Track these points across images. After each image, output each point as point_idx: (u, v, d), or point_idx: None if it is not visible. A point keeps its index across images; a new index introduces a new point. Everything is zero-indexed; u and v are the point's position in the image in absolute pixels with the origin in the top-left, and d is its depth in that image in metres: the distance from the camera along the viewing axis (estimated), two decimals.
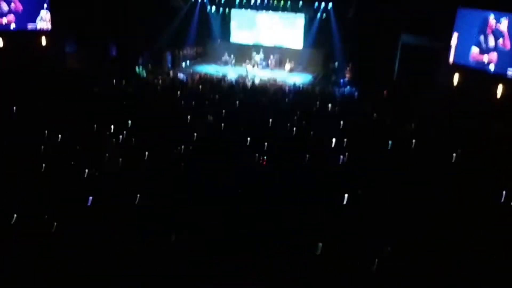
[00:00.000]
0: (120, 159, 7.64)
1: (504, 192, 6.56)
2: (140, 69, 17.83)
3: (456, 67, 13.94)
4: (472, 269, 4.70)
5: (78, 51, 18.45)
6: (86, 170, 7.00)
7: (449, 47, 14.22)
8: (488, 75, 12.88)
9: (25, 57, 15.83)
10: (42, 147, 8.01)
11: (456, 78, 13.75)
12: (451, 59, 14.27)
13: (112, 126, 9.37)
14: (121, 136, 8.96)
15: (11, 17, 15.96)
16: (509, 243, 5.17)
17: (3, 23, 15.77)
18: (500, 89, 12.18)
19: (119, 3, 17.97)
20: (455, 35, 14.03)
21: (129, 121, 9.83)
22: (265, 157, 8.13)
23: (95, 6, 17.91)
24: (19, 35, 16.47)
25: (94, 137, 8.87)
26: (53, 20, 17.08)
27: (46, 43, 17.12)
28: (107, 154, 7.80)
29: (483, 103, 11.77)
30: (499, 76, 12.50)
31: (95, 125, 9.37)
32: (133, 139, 8.90)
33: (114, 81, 14.64)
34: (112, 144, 8.49)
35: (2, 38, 16.02)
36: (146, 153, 7.88)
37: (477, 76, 13.17)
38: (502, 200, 6.54)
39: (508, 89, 12.11)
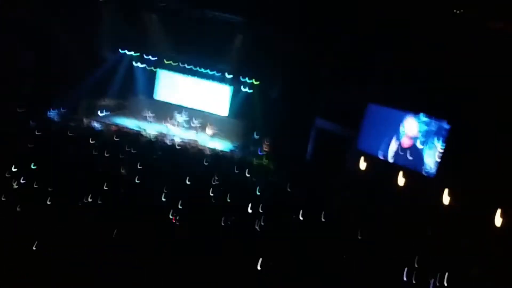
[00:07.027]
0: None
1: None
2: (52, 112, 16.70)
3: (364, 154, 15.18)
4: None
5: None
6: None
7: (358, 136, 15.61)
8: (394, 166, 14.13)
9: None
10: None
11: (362, 165, 14.91)
12: (359, 147, 15.61)
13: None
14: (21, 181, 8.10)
15: None
16: None
17: None
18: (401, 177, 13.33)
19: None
20: (363, 126, 15.54)
21: (32, 164, 8.97)
22: (177, 217, 7.87)
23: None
24: None
25: None
26: None
27: None
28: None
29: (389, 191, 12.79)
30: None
31: None
32: (34, 184, 8.09)
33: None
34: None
35: None
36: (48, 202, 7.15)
37: (384, 166, 14.46)
38: None
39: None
